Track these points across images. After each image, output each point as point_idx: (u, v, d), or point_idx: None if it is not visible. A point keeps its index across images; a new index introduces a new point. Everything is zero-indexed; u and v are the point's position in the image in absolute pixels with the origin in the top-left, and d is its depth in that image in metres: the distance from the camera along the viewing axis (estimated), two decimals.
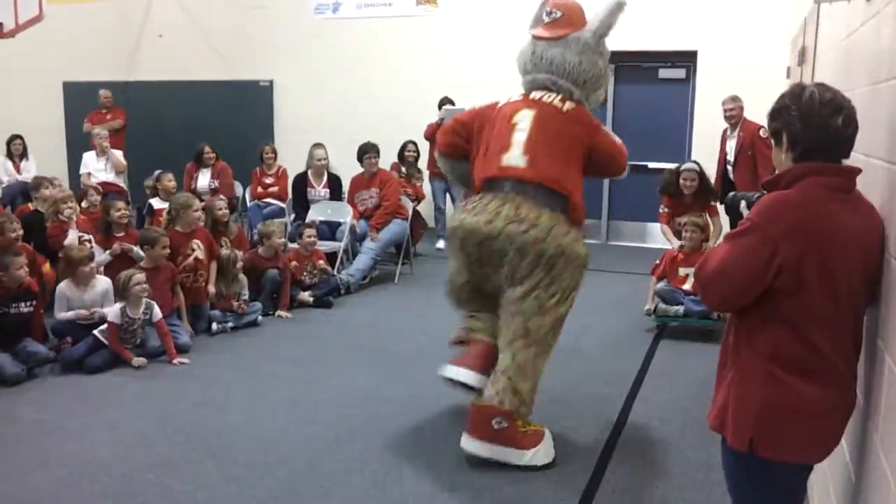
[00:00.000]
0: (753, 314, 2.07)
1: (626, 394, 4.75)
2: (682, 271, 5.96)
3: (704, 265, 2.15)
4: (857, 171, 2.08)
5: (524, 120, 3.80)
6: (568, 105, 3.85)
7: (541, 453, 3.73)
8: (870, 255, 2.02)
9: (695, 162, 6.68)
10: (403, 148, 8.81)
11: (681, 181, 6.47)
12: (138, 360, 5.17)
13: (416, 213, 8.56)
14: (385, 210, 7.70)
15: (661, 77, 9.52)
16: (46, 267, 5.99)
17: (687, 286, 5.81)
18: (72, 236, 6.08)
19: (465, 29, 10.02)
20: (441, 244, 9.06)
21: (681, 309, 5.83)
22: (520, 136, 3.78)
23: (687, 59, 9.30)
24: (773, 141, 2.17)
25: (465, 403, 4.51)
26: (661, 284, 6.03)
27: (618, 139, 4.10)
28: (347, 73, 10.54)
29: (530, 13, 4.07)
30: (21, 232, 5.49)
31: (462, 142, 4.11)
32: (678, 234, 6.33)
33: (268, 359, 5.46)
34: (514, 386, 3.63)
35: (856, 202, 2.05)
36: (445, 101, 8.87)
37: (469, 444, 3.73)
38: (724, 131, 7.76)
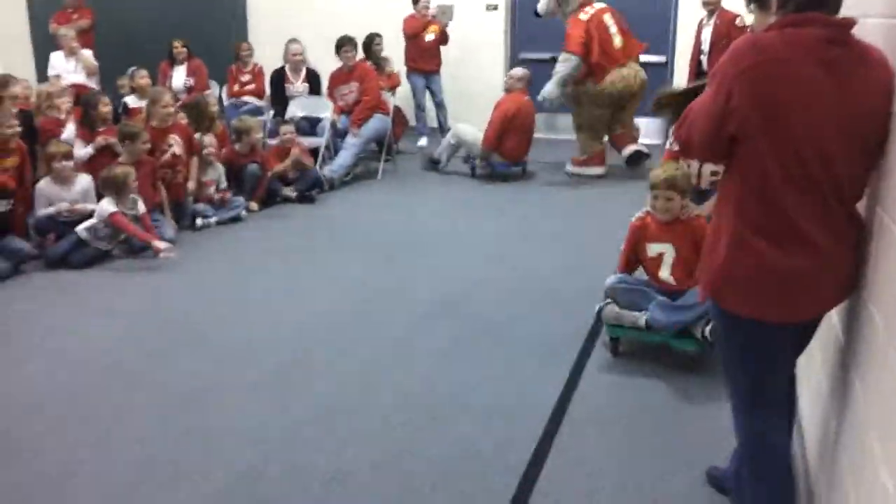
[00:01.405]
0: (727, 171, 2.07)
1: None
2: (653, 249, 3.70)
3: (685, 115, 2.13)
4: (851, 22, 1.96)
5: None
6: None
7: None
8: (862, 118, 1.89)
9: None
10: (371, 41, 8.52)
11: None
12: (161, 244, 5.10)
13: (397, 109, 8.43)
14: (365, 105, 7.57)
15: None
16: None
17: (664, 274, 3.69)
18: (69, 131, 5.95)
19: None
20: (423, 142, 8.98)
21: (643, 318, 3.59)
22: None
23: None
24: (757, 8, 2.12)
25: (452, 295, 4.57)
26: (618, 276, 3.77)
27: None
28: None
29: None
30: (18, 129, 5.33)
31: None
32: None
33: (253, 252, 5.46)
34: None
35: (858, 57, 1.92)
36: None
37: None
38: (701, 20, 7.67)
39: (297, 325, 4.16)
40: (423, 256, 5.23)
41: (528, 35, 9.63)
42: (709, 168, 3.66)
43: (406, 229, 5.94)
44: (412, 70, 8.80)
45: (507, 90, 7.51)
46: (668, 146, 4.41)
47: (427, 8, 8.62)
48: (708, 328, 3.41)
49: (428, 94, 8.96)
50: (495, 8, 9.60)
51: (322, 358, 3.78)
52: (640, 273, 3.86)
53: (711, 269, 2.09)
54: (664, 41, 9.13)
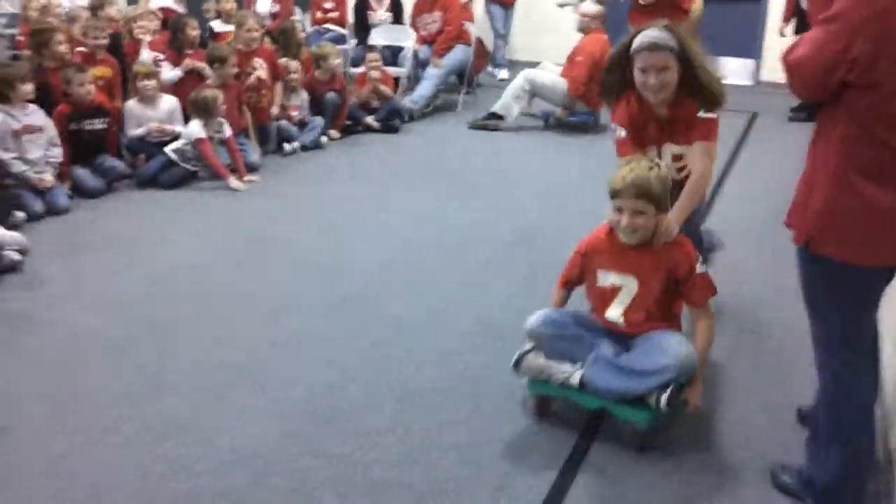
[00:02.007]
0: (829, 109, 1.98)
1: None
2: (606, 278, 2.66)
3: (793, 48, 2.00)
4: None
5: None
6: None
7: None
8: None
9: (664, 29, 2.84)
10: None
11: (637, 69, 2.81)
12: (235, 183, 5.26)
13: (478, 41, 8.33)
14: (447, 35, 7.50)
15: None
16: None
17: (613, 314, 2.65)
18: (144, 54, 6.11)
19: None
20: (503, 74, 8.89)
21: (577, 375, 2.57)
22: None
23: None
24: None
25: (529, 229, 4.57)
26: (544, 314, 2.69)
27: None
28: None
29: None
30: (106, 41, 5.59)
31: None
32: None
33: (337, 178, 5.56)
34: None
35: None
36: None
37: None
38: None
39: (380, 248, 4.26)
40: (502, 190, 5.23)
41: None
42: (669, 151, 2.88)
43: (485, 162, 5.93)
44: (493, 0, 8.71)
45: (582, 30, 6.71)
46: (618, 134, 2.94)
47: None
48: (665, 396, 2.43)
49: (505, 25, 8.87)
50: None
51: (402, 280, 3.87)
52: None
53: (806, 215, 2.03)
54: None
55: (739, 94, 6.90)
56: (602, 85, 3.01)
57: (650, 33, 2.73)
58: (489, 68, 9.05)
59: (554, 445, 2.56)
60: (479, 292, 3.72)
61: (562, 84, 6.68)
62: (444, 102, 7.77)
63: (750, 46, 8.73)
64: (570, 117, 6.80)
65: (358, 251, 4.23)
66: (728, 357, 3.10)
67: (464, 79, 7.82)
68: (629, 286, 2.61)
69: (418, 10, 7.72)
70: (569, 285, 2.81)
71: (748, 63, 8.76)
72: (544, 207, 4.91)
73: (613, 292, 2.64)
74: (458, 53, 7.55)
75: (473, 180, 5.47)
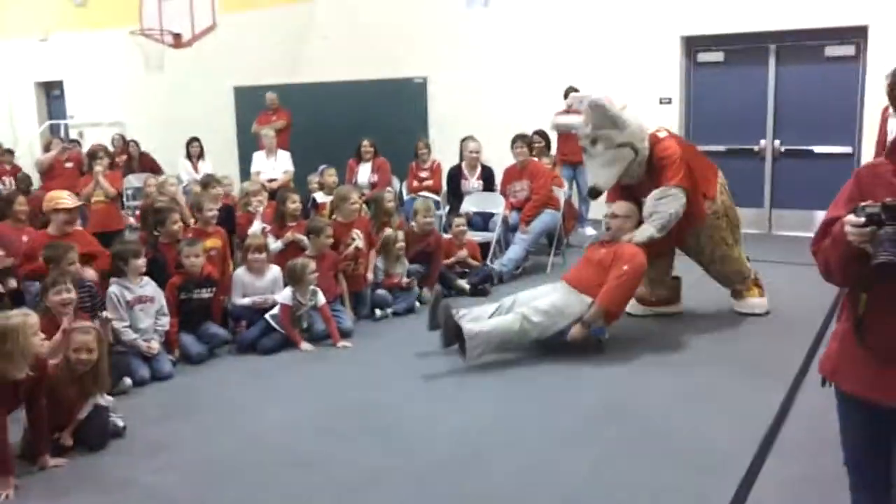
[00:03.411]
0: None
1: None
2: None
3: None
4: None
5: None
6: None
7: None
8: None
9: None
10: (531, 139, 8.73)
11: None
12: (306, 346, 5.50)
13: (568, 203, 8.56)
14: (535, 203, 7.75)
15: (826, 56, 8.98)
16: None
17: None
18: (256, 226, 6.58)
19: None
20: (590, 231, 9.07)
21: None
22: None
23: (856, 35, 8.73)
24: None
25: (619, 397, 4.53)
26: None
27: None
28: (497, 65, 10.67)
29: None
30: (216, 212, 6.13)
31: None
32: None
33: (424, 343, 5.65)
34: None
35: None
36: (571, 89, 9.05)
37: None
38: (885, 109, 7.19)
39: (470, 415, 4.31)
40: (591, 353, 5.22)
41: (704, 127, 9.57)
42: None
43: None
44: (562, 161, 9.00)
45: (615, 238, 5.40)
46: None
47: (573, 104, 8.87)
48: None
49: (575, 186, 9.16)
50: (669, 101, 9.63)
51: (494, 450, 3.87)
52: None
53: (826, 353, 2.39)
54: (849, 131, 8.78)
55: None
56: None
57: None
58: (579, 228, 9.24)
59: None
60: (566, 462, 3.67)
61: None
62: (534, 265, 7.91)
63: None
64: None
65: (448, 418, 4.28)
66: None
67: (553, 241, 7.99)
68: None
69: (508, 179, 8.05)
70: None
71: None
72: (635, 376, 4.88)
73: None
74: (546, 218, 7.76)
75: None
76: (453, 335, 5.07)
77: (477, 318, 5.22)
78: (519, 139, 8.03)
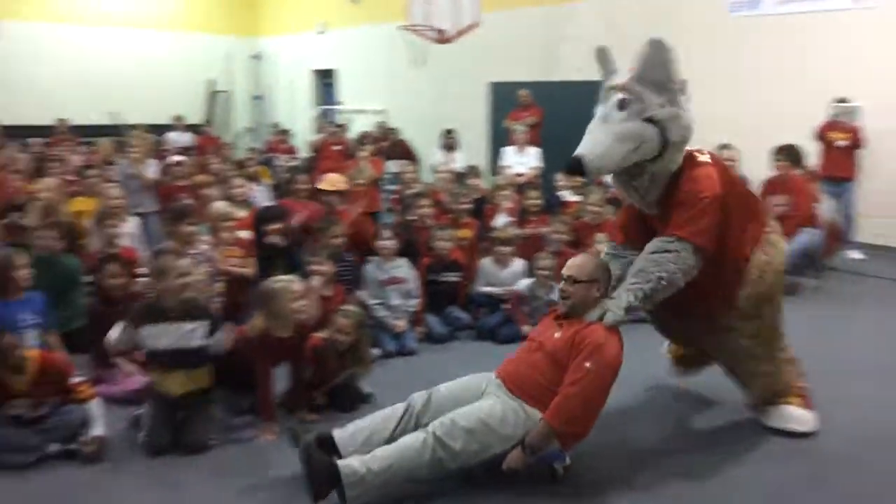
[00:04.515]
0: None
1: None
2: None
3: None
4: None
5: None
6: None
7: None
8: None
9: None
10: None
11: None
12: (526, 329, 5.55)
13: (832, 223, 7.94)
14: (792, 221, 7.26)
15: None
16: None
17: None
18: (500, 219, 6.84)
19: None
20: (856, 254, 8.38)
21: None
22: None
23: None
24: None
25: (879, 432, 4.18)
26: None
27: None
28: (761, 72, 10.11)
29: None
30: (470, 205, 6.56)
31: None
32: None
33: None
34: None
35: None
36: (840, 100, 8.60)
37: None
38: None
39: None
40: (844, 387, 4.82)
41: None
42: None
43: (824, 358, 5.45)
44: (824, 178, 8.36)
45: None
46: None
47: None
48: None
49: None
50: None
51: None
52: None
53: None
54: None
55: None
56: None
57: None
58: (844, 251, 8.55)
59: None
60: None
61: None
62: (787, 285, 7.40)
63: None
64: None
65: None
66: None
67: (811, 262, 7.44)
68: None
69: (766, 191, 7.61)
70: None
71: None
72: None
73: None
74: (803, 237, 7.26)
75: (819, 373, 5.10)
76: (325, 479, 3.26)
77: (364, 440, 3.46)
78: (778, 152, 7.59)
